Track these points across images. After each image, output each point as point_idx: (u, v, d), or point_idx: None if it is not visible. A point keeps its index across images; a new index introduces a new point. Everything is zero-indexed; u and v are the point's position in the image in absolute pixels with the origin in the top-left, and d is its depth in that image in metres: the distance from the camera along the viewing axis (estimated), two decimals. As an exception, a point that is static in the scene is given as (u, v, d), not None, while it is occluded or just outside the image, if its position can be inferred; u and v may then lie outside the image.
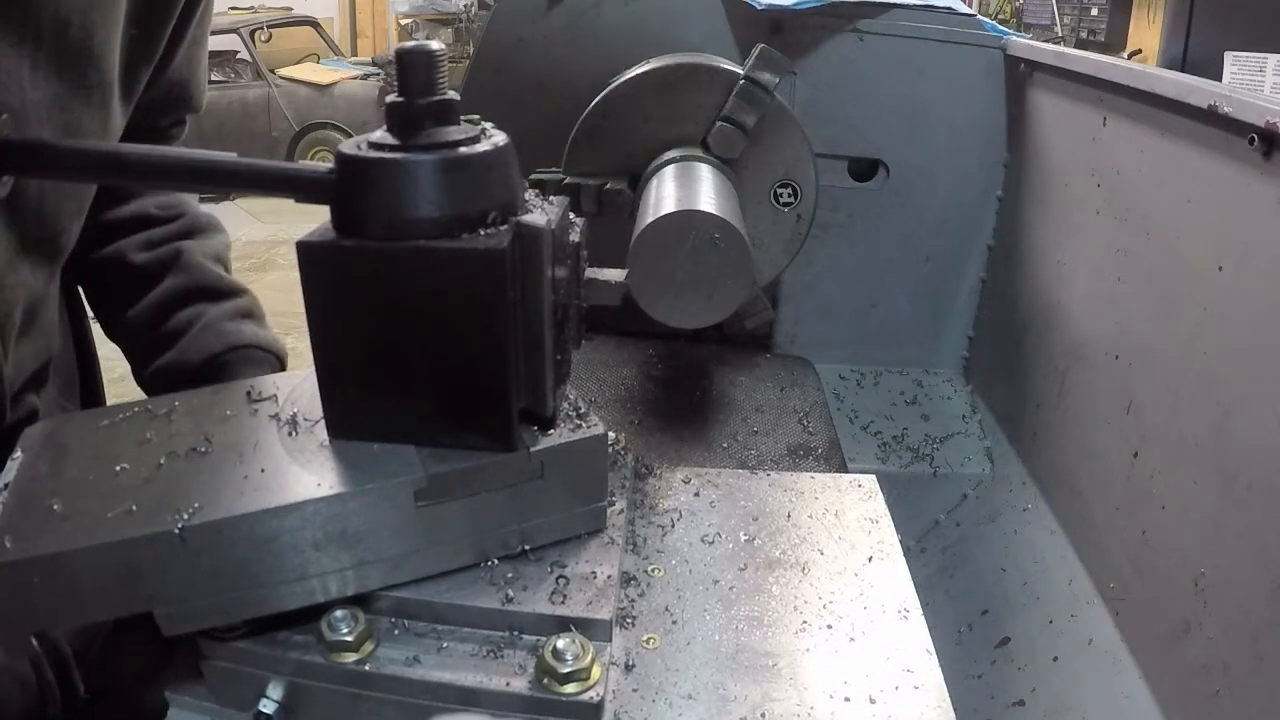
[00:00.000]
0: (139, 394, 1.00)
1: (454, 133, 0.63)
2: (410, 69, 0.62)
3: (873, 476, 0.91)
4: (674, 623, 0.71)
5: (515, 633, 0.66)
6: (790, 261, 1.28)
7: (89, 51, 0.76)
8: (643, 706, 0.64)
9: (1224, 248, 0.93)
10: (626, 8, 1.44)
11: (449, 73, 0.66)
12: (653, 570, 0.77)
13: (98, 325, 1.14)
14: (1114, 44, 6.16)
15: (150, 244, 1.09)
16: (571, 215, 0.72)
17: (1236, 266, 0.91)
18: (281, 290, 5.63)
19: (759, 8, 1.40)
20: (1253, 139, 0.86)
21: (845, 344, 1.63)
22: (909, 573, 0.78)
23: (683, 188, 1.05)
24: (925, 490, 1.49)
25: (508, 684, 0.63)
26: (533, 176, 1.18)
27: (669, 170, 1.13)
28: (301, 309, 0.64)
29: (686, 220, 0.96)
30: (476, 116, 0.66)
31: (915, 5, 1.44)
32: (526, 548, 0.70)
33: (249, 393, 0.75)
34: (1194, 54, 3.14)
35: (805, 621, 0.72)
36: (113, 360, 1.16)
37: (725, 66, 1.19)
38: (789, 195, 1.23)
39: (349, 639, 0.63)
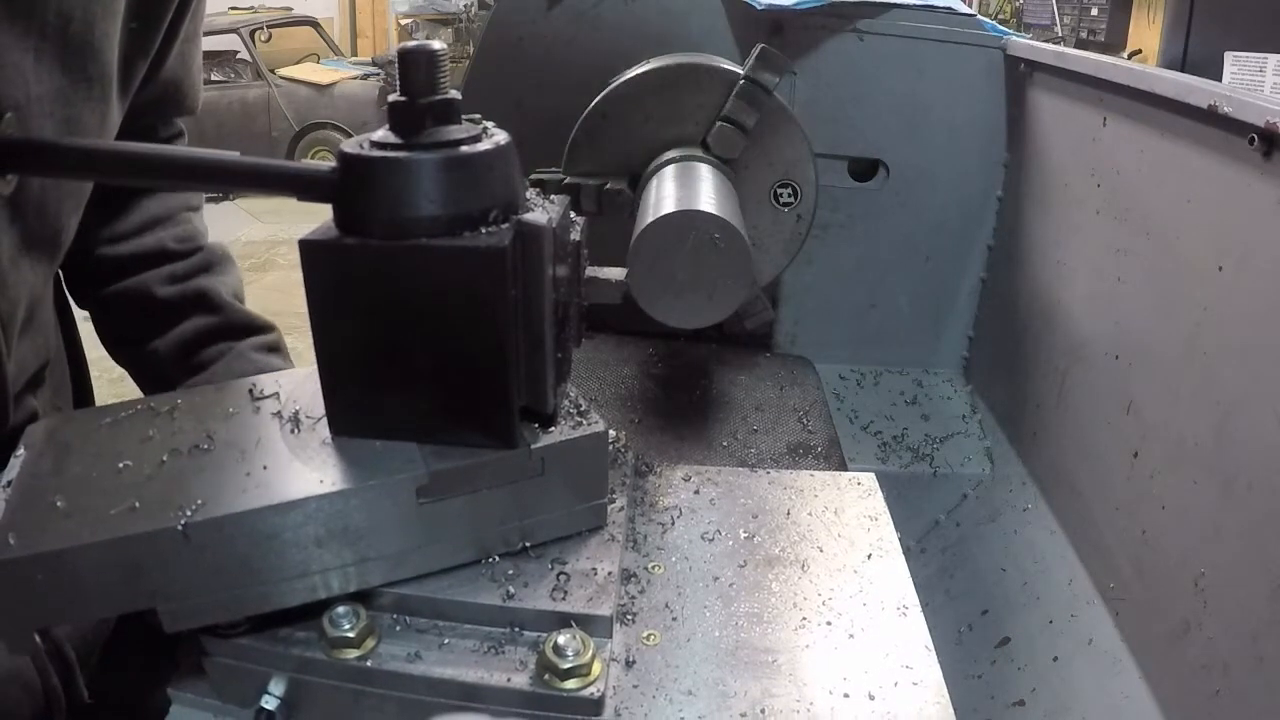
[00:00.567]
0: (138, 394, 1.01)
1: (455, 132, 0.63)
2: (412, 68, 0.63)
3: (872, 474, 0.91)
4: (674, 619, 0.72)
5: (516, 629, 0.66)
6: (790, 261, 1.28)
7: (90, 45, 0.77)
8: (643, 702, 0.64)
9: (1224, 248, 0.93)
10: (626, 8, 1.45)
11: (449, 73, 0.66)
12: (653, 567, 0.77)
13: (92, 336, 1.15)
14: (1114, 44, 6.17)
15: (174, 278, 1.11)
16: (572, 214, 0.72)
17: (1236, 266, 0.91)
18: (282, 290, 5.63)
19: (759, 8, 1.40)
20: (1253, 139, 0.86)
21: (845, 344, 1.64)
22: (908, 570, 0.78)
23: (683, 188, 1.05)
24: (925, 490, 1.49)
25: (509, 680, 0.63)
26: (533, 176, 1.18)
27: (669, 170, 1.13)
28: (303, 309, 0.64)
29: (686, 220, 0.96)
30: (478, 115, 0.67)
31: (915, 5, 1.45)
32: (527, 544, 0.71)
33: (251, 390, 0.75)
34: (1194, 54, 3.14)
35: (805, 618, 0.72)
36: (109, 361, 1.17)
37: (725, 66, 1.19)
38: (789, 195, 1.23)
39: (351, 635, 0.63)
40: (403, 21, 11.70)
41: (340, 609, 0.65)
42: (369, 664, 0.64)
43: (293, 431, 0.69)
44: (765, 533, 0.82)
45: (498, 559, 0.70)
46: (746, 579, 0.76)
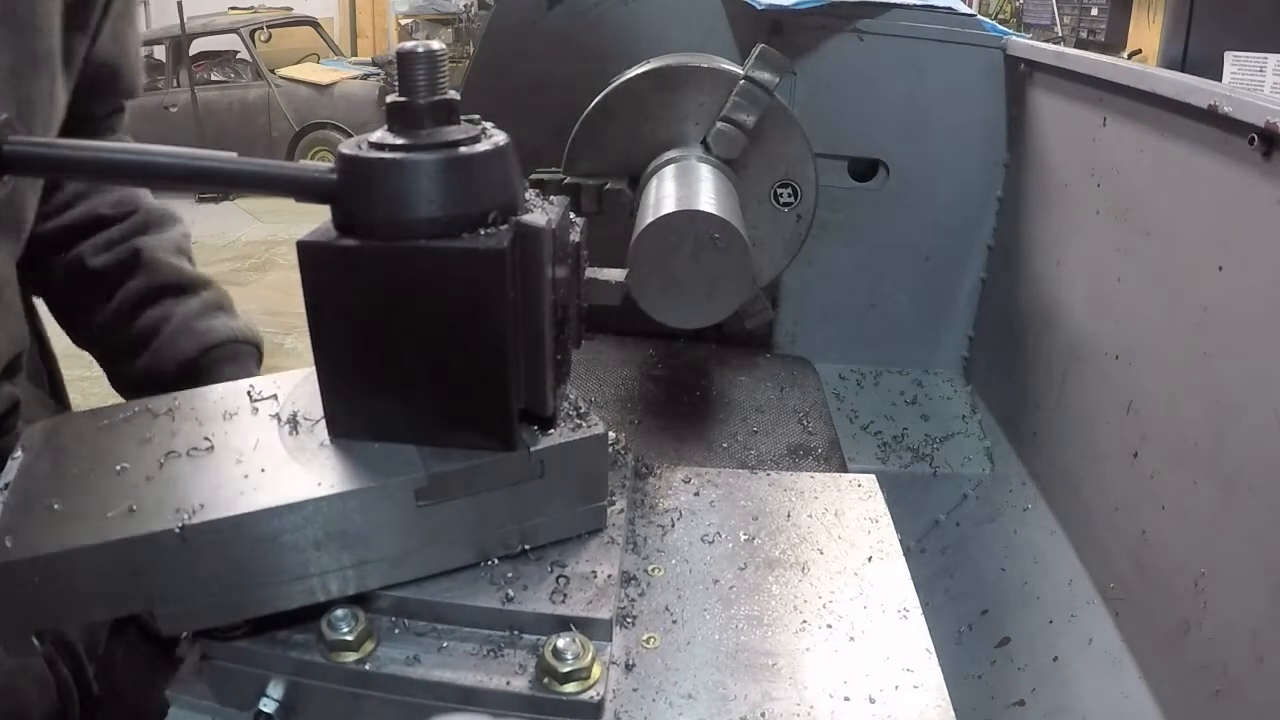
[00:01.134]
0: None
1: (454, 132, 0.63)
2: (411, 69, 0.62)
3: (872, 476, 0.91)
4: (674, 622, 0.71)
5: (515, 632, 0.66)
6: (790, 261, 1.28)
7: (34, 23, 0.78)
8: (643, 706, 0.64)
9: (1224, 248, 0.93)
10: (626, 8, 1.44)
11: (449, 73, 0.66)
12: (653, 570, 0.77)
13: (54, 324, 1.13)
14: (1114, 44, 6.17)
15: (108, 244, 1.07)
16: (571, 215, 0.72)
17: (1236, 266, 0.91)
18: (281, 290, 5.63)
19: (759, 8, 1.40)
20: (1253, 139, 0.86)
21: (845, 344, 1.63)
22: (909, 572, 0.78)
23: (683, 188, 1.05)
24: (925, 490, 1.49)
25: (508, 683, 0.63)
26: (533, 176, 1.18)
27: (669, 170, 1.13)
28: (301, 309, 0.64)
29: (686, 220, 0.96)
30: (477, 116, 0.67)
31: (915, 5, 1.45)
32: (527, 547, 0.71)
33: (250, 392, 0.75)
34: (1194, 54, 3.14)
35: (805, 621, 0.72)
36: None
37: (725, 66, 1.19)
38: (789, 195, 1.23)
39: (349, 638, 0.63)
40: (403, 21, 11.70)
41: (339, 612, 0.64)
42: (367, 667, 0.63)
43: (291, 433, 0.69)
44: (765, 535, 0.82)
45: (497, 562, 0.70)
46: (746, 581, 0.76)
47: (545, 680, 0.62)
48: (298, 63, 9.09)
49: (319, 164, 0.64)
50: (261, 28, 8.92)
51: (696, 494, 0.87)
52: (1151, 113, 1.07)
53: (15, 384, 0.91)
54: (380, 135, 0.63)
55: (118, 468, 0.65)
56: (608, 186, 1.20)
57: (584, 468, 0.71)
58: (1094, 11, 6.41)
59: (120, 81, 1.03)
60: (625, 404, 1.31)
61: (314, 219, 0.66)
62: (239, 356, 1.08)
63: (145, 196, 1.13)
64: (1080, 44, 6.24)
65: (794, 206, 1.23)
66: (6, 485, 0.65)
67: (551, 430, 0.70)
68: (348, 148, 0.63)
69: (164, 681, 0.69)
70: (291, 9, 10.03)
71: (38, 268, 1.05)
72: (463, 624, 0.67)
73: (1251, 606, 0.84)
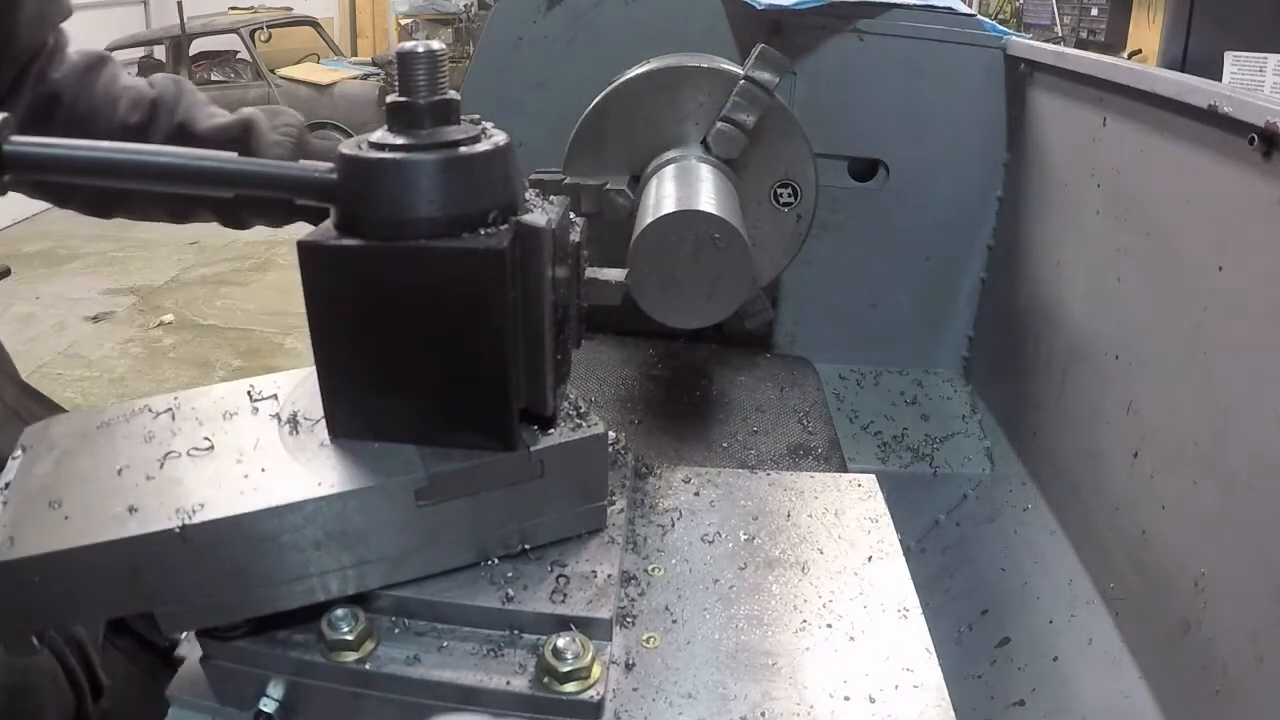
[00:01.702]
0: (137, 395, 1.00)
1: (455, 132, 0.63)
2: (411, 69, 0.62)
3: (872, 476, 0.91)
4: (674, 622, 0.71)
5: (515, 632, 0.66)
6: (790, 261, 1.28)
7: None
8: (643, 705, 0.64)
9: (1224, 248, 0.93)
10: (626, 8, 1.44)
11: (449, 73, 0.66)
12: (653, 569, 0.77)
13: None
14: (1114, 44, 6.16)
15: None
16: (571, 215, 0.72)
17: (1236, 266, 0.91)
18: (281, 290, 5.63)
19: (759, 8, 1.40)
20: (1253, 139, 0.86)
21: (845, 344, 1.63)
22: (909, 572, 0.78)
23: (683, 188, 1.05)
24: (925, 490, 1.49)
25: (508, 683, 0.63)
26: (532, 176, 1.18)
27: (669, 170, 1.13)
28: (301, 309, 0.64)
29: (686, 220, 0.96)
30: (477, 116, 0.67)
31: (915, 5, 1.45)
32: (527, 547, 0.71)
33: (250, 392, 0.75)
34: (1194, 54, 3.14)
35: (805, 620, 0.72)
36: (112, 360, 1.16)
37: (725, 66, 1.19)
38: (789, 195, 1.23)
39: (349, 638, 0.63)
40: (403, 21, 11.69)
41: (339, 611, 0.64)
42: (368, 667, 0.64)
43: (291, 433, 0.69)
44: (765, 535, 0.82)
45: (497, 561, 0.70)
46: (746, 581, 0.76)
47: (545, 680, 0.62)
48: (298, 63, 9.09)
49: (319, 164, 0.64)
50: (261, 28, 8.92)
51: (696, 494, 0.87)
52: (1151, 113, 1.07)
53: None
54: (380, 135, 0.63)
55: (118, 467, 0.65)
56: (607, 187, 1.20)
57: (584, 467, 0.71)
58: (1094, 11, 6.41)
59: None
60: (625, 404, 1.31)
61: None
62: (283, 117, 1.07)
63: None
64: (1080, 44, 6.24)
65: (794, 206, 1.23)
66: (6, 485, 0.65)
67: (551, 430, 0.70)
68: (348, 148, 0.63)
69: (164, 681, 0.69)
70: (291, 9, 10.03)
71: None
72: (463, 624, 0.67)
73: (1251, 606, 0.84)
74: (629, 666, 0.67)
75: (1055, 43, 5.23)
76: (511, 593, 0.67)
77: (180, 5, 8.16)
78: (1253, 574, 0.84)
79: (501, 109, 1.50)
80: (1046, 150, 1.38)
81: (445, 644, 0.66)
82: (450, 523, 0.67)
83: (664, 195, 1.04)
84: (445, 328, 0.64)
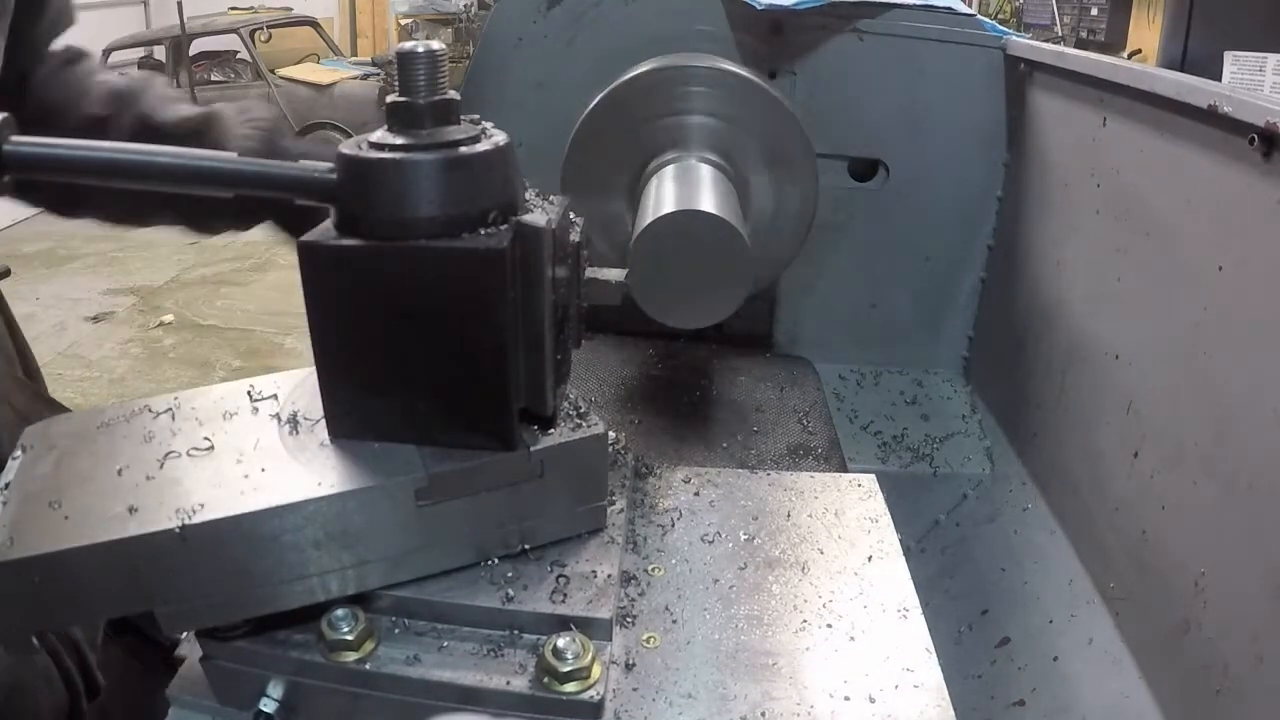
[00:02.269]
0: (137, 395, 1.00)
1: (454, 132, 0.63)
2: (411, 69, 0.62)
3: (872, 476, 0.91)
4: (674, 622, 0.71)
5: (515, 632, 0.66)
6: (790, 261, 1.28)
7: None
8: (643, 705, 0.64)
9: (1224, 248, 0.93)
10: (626, 8, 1.44)
11: (449, 73, 0.66)
12: (653, 569, 0.77)
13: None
14: (1114, 44, 6.16)
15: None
16: (572, 215, 0.72)
17: (1236, 266, 0.91)
18: (281, 290, 5.63)
19: (759, 8, 1.40)
20: (1253, 139, 0.86)
21: (845, 344, 1.63)
22: (909, 572, 0.78)
23: (683, 187, 1.05)
24: (925, 490, 1.49)
25: (508, 683, 0.63)
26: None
27: (669, 170, 1.13)
28: (301, 309, 0.64)
29: (687, 220, 0.96)
30: (477, 116, 0.67)
31: (915, 5, 1.44)
32: (527, 547, 0.71)
33: (250, 392, 0.75)
34: (1194, 54, 3.14)
35: (805, 620, 0.72)
36: (112, 360, 1.16)
37: (725, 67, 1.19)
38: (790, 196, 1.23)
39: (349, 638, 0.63)
40: (403, 21, 11.69)
41: (339, 612, 0.64)
42: (368, 667, 0.64)
43: (291, 433, 0.69)
44: (765, 535, 0.82)
45: (497, 561, 0.70)
46: (746, 581, 0.76)
47: (545, 680, 0.62)
48: (298, 63, 9.09)
49: (319, 164, 0.64)
50: (261, 28, 8.91)
51: (696, 494, 0.87)
52: (1151, 113, 1.07)
53: None
54: (380, 135, 0.63)
55: (118, 467, 0.65)
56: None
57: (584, 467, 0.71)
58: (1094, 11, 6.41)
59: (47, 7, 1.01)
60: (625, 404, 1.31)
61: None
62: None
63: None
64: (1080, 44, 6.24)
65: (794, 207, 1.23)
66: (6, 485, 0.65)
67: (551, 430, 0.70)
68: (348, 148, 0.63)
69: (164, 681, 0.69)
70: (291, 9, 10.03)
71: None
72: (463, 623, 0.67)
73: (1251, 606, 0.84)
74: (629, 666, 0.67)
75: (1055, 42, 5.23)
76: (511, 593, 0.67)
77: (180, 5, 8.16)
78: (1253, 574, 0.84)
79: (501, 109, 1.50)
80: (1046, 150, 1.38)
81: (445, 644, 0.66)
82: (450, 523, 0.67)
83: (664, 195, 1.04)
84: (445, 328, 0.64)
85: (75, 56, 1.07)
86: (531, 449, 0.68)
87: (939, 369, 1.67)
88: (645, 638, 0.70)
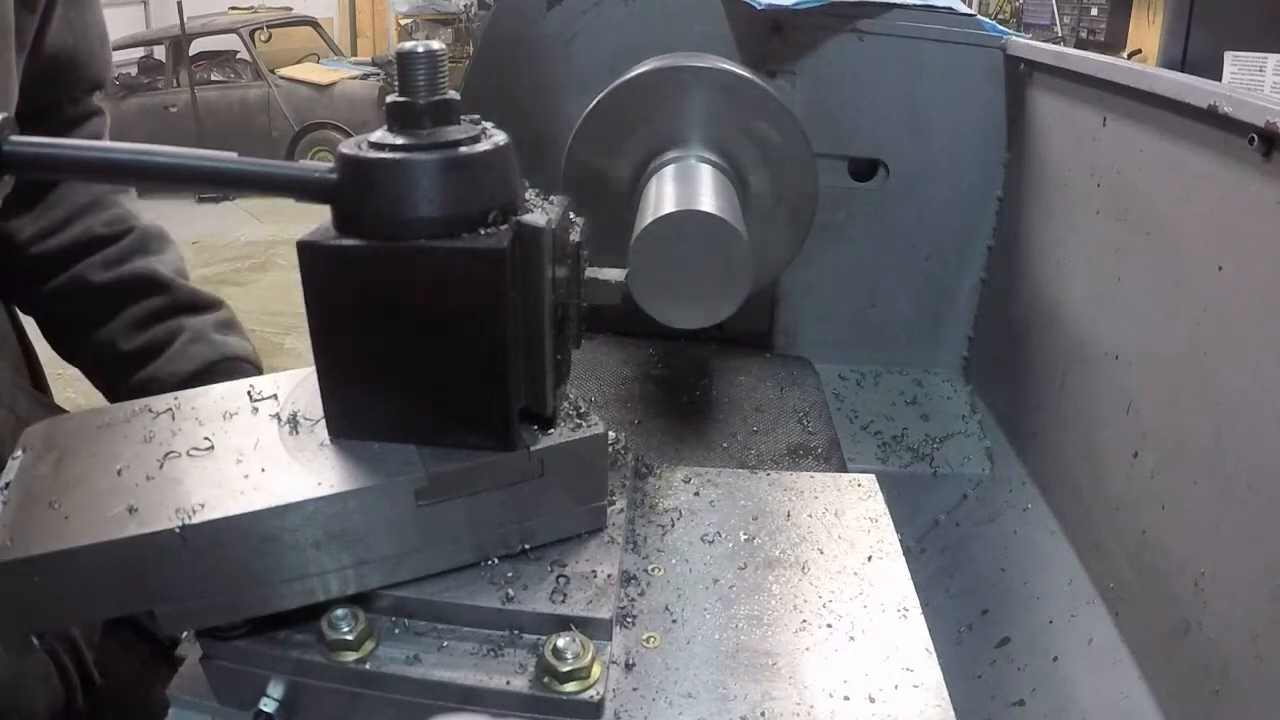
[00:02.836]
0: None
1: (454, 132, 0.63)
2: (411, 69, 0.62)
3: (872, 476, 0.91)
4: (674, 621, 0.71)
5: (515, 632, 0.66)
6: (790, 261, 1.28)
7: None
8: (643, 705, 0.64)
9: (1224, 248, 0.93)
10: (626, 8, 1.44)
11: (449, 73, 0.66)
12: (653, 569, 0.77)
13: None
14: (1114, 44, 6.17)
15: (109, 263, 1.08)
16: (572, 215, 0.72)
17: (1236, 266, 0.91)
18: (281, 290, 5.64)
19: (759, 8, 1.40)
20: (1253, 139, 0.86)
21: (845, 344, 1.63)
22: (908, 572, 0.78)
23: (683, 187, 1.05)
24: (925, 490, 1.49)
25: (508, 683, 0.63)
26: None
27: (669, 170, 1.13)
28: (301, 309, 0.64)
29: (686, 220, 0.96)
30: (477, 116, 0.67)
31: (915, 5, 1.44)
32: (526, 547, 0.71)
33: (250, 392, 0.75)
34: (1194, 54, 3.14)
35: (805, 620, 0.72)
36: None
37: (725, 67, 1.19)
38: (789, 196, 1.23)
39: (349, 638, 0.63)
40: (403, 21, 11.70)
41: (339, 611, 0.64)
42: (368, 667, 0.64)
43: (291, 433, 0.69)
44: (765, 535, 0.82)
45: (497, 561, 0.70)
46: (746, 581, 0.76)
47: (545, 680, 0.62)
48: (298, 63, 9.10)
49: (319, 164, 0.64)
50: (261, 28, 8.93)
51: (696, 494, 0.87)
52: (1151, 113, 1.07)
53: None
54: (380, 135, 0.63)
55: (118, 467, 0.65)
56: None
57: (583, 467, 0.71)
58: (1094, 11, 6.41)
59: (80, 70, 1.01)
60: (625, 404, 1.31)
61: (313, 219, 0.66)
62: (244, 375, 1.10)
63: (139, 216, 1.14)
64: (1080, 44, 6.24)
65: (794, 206, 1.23)
66: (6, 485, 0.65)
67: (551, 430, 0.70)
68: (348, 147, 0.63)
69: (164, 681, 0.69)
70: (291, 9, 10.04)
71: (32, 285, 1.06)
72: (463, 623, 0.67)
73: (1251, 606, 0.84)
74: (629, 666, 0.67)
75: (1055, 42, 5.23)
76: (511, 593, 0.67)
77: (180, 5, 8.17)
78: (1253, 574, 0.84)
79: (501, 109, 1.50)
80: (1046, 150, 1.38)
81: (445, 644, 0.66)
82: (450, 523, 0.67)
83: (664, 195, 1.04)
84: (445, 328, 0.64)
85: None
86: (531, 449, 0.68)
87: (939, 369, 1.67)
88: (645, 638, 0.70)
